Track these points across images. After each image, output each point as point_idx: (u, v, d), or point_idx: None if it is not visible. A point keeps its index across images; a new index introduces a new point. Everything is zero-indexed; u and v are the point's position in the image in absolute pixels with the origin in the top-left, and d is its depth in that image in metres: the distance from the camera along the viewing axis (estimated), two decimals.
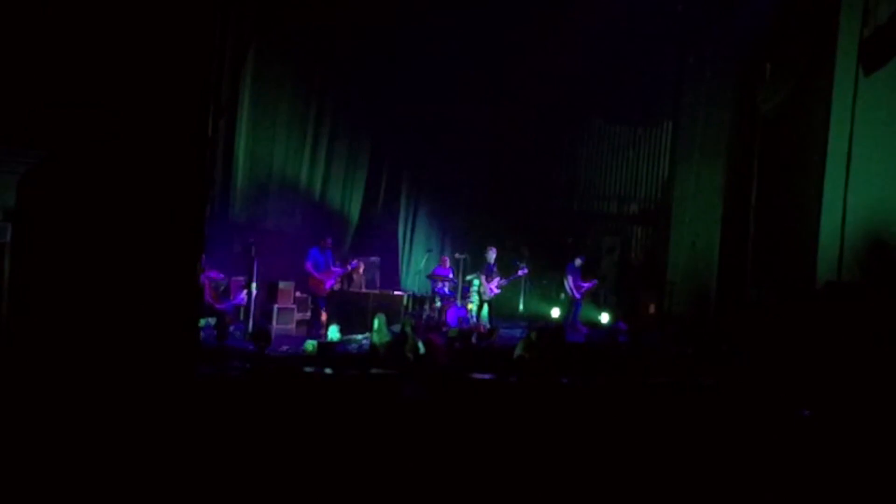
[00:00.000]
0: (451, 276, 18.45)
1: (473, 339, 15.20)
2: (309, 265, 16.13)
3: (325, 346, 13.50)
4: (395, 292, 18.48)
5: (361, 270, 18.05)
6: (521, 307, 20.14)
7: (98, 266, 8.74)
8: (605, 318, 19.69)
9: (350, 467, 7.09)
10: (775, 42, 16.81)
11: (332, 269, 16.54)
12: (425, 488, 6.88)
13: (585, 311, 19.48)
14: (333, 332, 14.58)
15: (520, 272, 18.84)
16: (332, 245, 17.13)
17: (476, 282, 18.41)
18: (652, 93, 20.59)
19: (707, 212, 18.92)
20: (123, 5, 8.88)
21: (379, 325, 13.35)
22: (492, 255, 18.30)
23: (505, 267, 18.59)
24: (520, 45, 19.73)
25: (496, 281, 18.16)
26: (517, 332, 17.42)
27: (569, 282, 18.98)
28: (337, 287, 16.97)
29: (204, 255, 13.81)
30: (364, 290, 18.07)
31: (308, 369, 10.47)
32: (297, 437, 7.66)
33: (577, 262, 19.19)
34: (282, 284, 17.19)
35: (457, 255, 19.10)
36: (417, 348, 12.53)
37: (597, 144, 22.09)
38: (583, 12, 18.90)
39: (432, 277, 18.52)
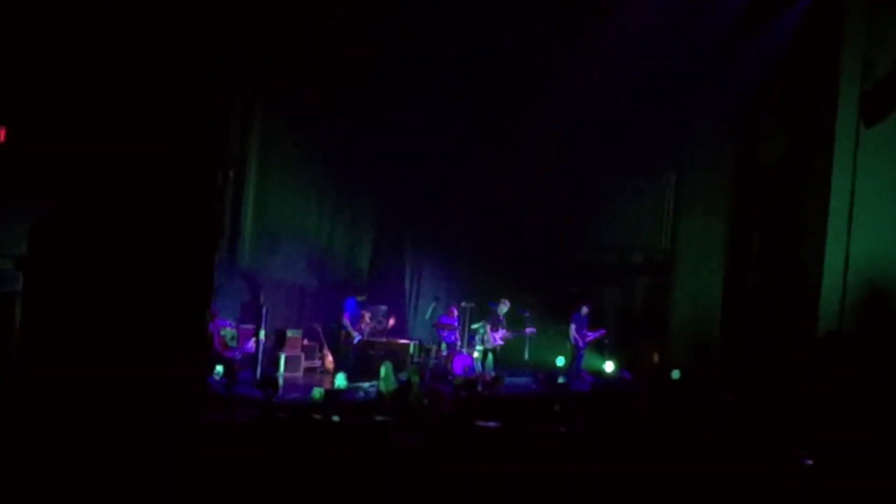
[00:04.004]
0: (457, 324, 18.58)
1: (479, 388, 15.27)
2: (347, 317, 16.09)
3: (332, 394, 13.58)
4: (402, 340, 18.59)
5: (368, 319, 18.16)
6: (526, 356, 20.21)
7: (108, 313, 8.91)
8: (609, 366, 19.74)
9: None
10: (775, 95, 17.05)
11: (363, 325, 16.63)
12: None
13: (590, 360, 19.54)
14: (340, 380, 14.68)
15: (527, 331, 19.01)
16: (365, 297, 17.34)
17: (482, 330, 18.56)
18: (654, 144, 20.72)
19: (710, 262, 19.07)
20: (133, 63, 9.11)
21: (386, 373, 13.47)
22: (504, 307, 18.50)
23: (512, 317, 18.75)
24: (522, 98, 19.96)
25: (501, 332, 18.30)
26: (522, 381, 17.51)
27: (573, 330, 19.07)
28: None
29: (214, 304, 13.99)
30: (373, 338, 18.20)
31: (315, 416, 10.56)
32: (302, 483, 7.75)
33: (583, 310, 19.29)
34: (290, 332, 17.35)
35: (463, 304, 19.23)
36: (422, 397, 12.63)
37: (599, 195, 22.18)
38: (584, 65, 19.18)
39: (439, 326, 18.65)
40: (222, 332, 15.20)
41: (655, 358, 19.54)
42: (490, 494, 7.85)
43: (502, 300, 18.74)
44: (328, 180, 20.05)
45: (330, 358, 17.51)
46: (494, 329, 18.31)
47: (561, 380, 17.78)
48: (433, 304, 20.30)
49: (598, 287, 21.77)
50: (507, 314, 18.66)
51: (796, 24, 16.40)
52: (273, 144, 18.66)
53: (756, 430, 10.99)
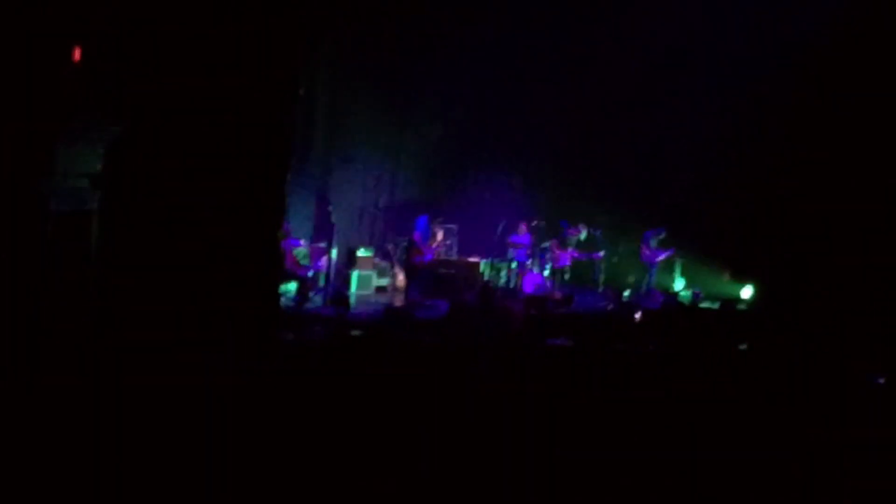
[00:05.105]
0: (528, 242, 18.53)
1: (549, 306, 15.25)
2: (417, 235, 16.10)
3: (403, 312, 13.66)
4: (473, 259, 18.60)
5: (440, 237, 18.17)
6: (596, 274, 20.10)
7: (181, 231, 8.99)
8: (680, 285, 19.59)
9: (427, 429, 7.24)
10: None
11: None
12: (500, 451, 7.02)
13: (661, 279, 19.39)
14: (410, 297, 14.79)
15: (595, 255, 18.94)
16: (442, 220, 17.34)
17: (549, 252, 18.53)
18: None
19: None
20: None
21: None
22: (579, 233, 18.47)
23: (585, 238, 18.73)
24: (604, 11, 19.60)
25: (570, 252, 18.23)
26: (592, 299, 17.47)
27: (645, 249, 18.90)
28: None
29: (287, 223, 14.10)
30: (443, 257, 18.23)
31: (386, 334, 10.64)
32: (373, 401, 7.83)
33: (655, 230, 19.10)
34: (361, 251, 17.46)
35: (533, 223, 19.16)
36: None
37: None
38: None
39: (509, 244, 18.62)
40: (294, 251, 15.34)
41: (727, 276, 19.34)
42: (560, 413, 7.87)
43: (578, 226, 18.66)
44: (397, 99, 19.96)
45: (401, 276, 17.60)
46: (562, 249, 18.24)
47: (631, 298, 17.75)
48: (503, 223, 20.25)
49: (669, 205, 21.45)
50: (580, 237, 18.61)
51: None
52: (342, 64, 18.58)
53: (827, 351, 10.83)
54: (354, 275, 17.12)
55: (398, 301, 16.54)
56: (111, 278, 8.74)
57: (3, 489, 5.77)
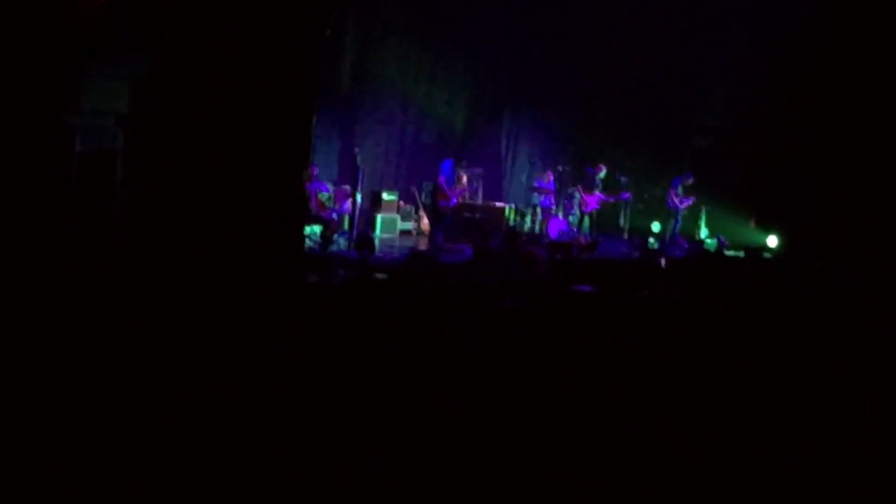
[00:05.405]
0: (553, 188, 18.46)
1: (574, 252, 15.22)
2: (442, 179, 16.04)
3: (428, 256, 13.66)
4: (498, 204, 18.54)
5: (465, 182, 18.10)
6: (622, 221, 20.03)
7: (206, 171, 8.97)
8: (705, 233, 19.50)
9: (450, 371, 7.24)
10: None
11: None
12: (523, 393, 7.01)
13: (686, 226, 19.29)
14: (435, 241, 14.77)
15: (623, 195, 18.81)
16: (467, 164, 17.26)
17: (577, 195, 18.43)
18: None
19: None
20: None
21: None
22: (599, 171, 18.30)
23: (608, 182, 18.57)
24: None
25: (597, 196, 18.13)
26: (618, 246, 17.41)
27: (672, 195, 18.77)
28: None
29: (312, 165, 14.07)
30: (468, 201, 18.17)
31: (410, 278, 10.64)
32: (397, 344, 7.83)
33: (683, 177, 18.97)
34: (386, 194, 17.43)
35: (559, 168, 19.07)
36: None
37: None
38: None
39: (534, 189, 18.56)
40: (319, 195, 15.33)
41: (752, 223, 19.20)
42: (585, 358, 7.85)
43: (599, 165, 18.53)
44: (425, 42, 19.81)
45: (426, 220, 17.58)
46: (590, 193, 18.15)
47: (656, 245, 17.69)
48: (529, 168, 20.18)
49: (696, 151, 21.29)
50: (603, 179, 18.45)
51: None
52: (370, 5, 18.43)
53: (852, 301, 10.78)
54: (379, 218, 17.10)
55: (423, 245, 16.52)
56: (136, 218, 8.75)
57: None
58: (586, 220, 18.20)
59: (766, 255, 16.71)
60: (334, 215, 15.77)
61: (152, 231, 8.77)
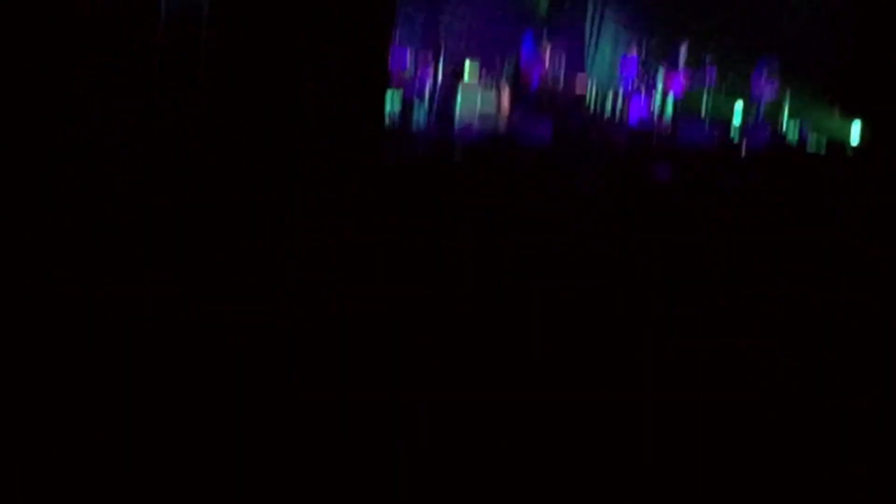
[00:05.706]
0: (635, 70, 18.19)
1: (653, 140, 15.11)
2: (524, 53, 15.76)
3: (507, 137, 13.65)
4: (580, 81, 18.25)
5: (548, 56, 17.85)
6: (704, 109, 19.67)
7: (290, 43, 8.97)
8: (787, 123, 19.10)
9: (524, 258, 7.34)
10: None
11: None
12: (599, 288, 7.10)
13: (769, 112, 18.86)
14: (514, 121, 14.70)
15: (706, 76, 18.46)
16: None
17: (659, 76, 18.16)
18: None
19: None
20: None
21: None
22: (682, 50, 17.95)
23: (692, 64, 18.24)
24: None
25: (680, 76, 17.83)
26: (699, 133, 17.18)
27: (757, 80, 18.33)
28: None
29: (393, 32, 13.98)
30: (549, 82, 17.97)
31: (488, 159, 10.69)
32: (473, 224, 7.93)
33: (768, 59, 18.51)
34: (468, 66, 17.29)
35: (643, 52, 18.74)
36: None
37: None
38: None
39: (617, 72, 18.33)
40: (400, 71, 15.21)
41: (837, 114, 18.79)
42: (660, 245, 7.91)
43: (682, 44, 18.13)
44: None
45: (506, 99, 17.41)
46: (672, 75, 17.85)
47: (737, 135, 17.44)
48: (611, 44, 19.83)
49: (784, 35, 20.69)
50: (686, 60, 18.09)
51: None
52: None
53: None
54: (459, 95, 17.01)
55: (502, 125, 16.45)
56: (220, 93, 8.81)
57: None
58: (668, 102, 17.93)
59: (849, 152, 16.40)
60: (415, 87, 15.68)
61: (235, 105, 8.83)
